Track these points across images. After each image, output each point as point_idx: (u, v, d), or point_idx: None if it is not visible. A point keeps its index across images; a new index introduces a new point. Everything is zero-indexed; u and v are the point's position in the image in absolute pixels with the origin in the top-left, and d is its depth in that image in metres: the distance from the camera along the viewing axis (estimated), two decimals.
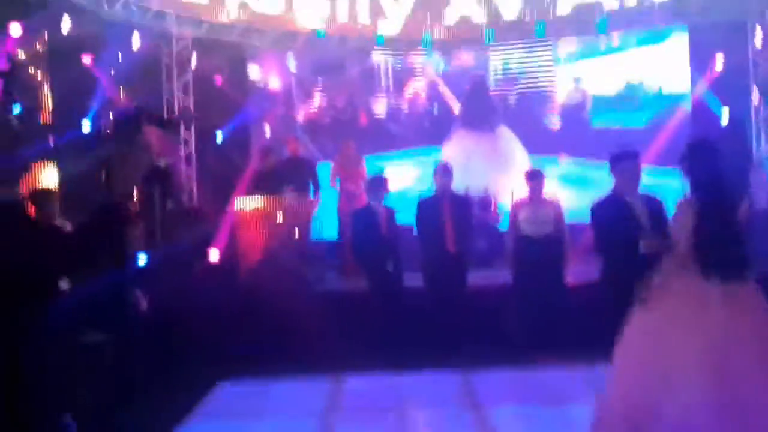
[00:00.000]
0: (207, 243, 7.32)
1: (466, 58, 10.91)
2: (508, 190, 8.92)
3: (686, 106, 9.46)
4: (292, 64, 10.46)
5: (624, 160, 5.01)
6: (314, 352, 6.47)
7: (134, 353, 5.61)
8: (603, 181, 9.30)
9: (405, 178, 9.75)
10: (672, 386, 3.67)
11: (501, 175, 9.44)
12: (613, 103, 10.55)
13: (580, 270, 6.83)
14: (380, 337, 6.55)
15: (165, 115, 7.61)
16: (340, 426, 5.02)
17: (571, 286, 6.62)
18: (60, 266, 2.41)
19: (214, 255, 7.27)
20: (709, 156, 3.97)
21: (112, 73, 7.66)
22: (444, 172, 6.74)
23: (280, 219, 7.48)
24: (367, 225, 6.73)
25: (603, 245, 5.30)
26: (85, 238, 2.40)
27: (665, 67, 10.15)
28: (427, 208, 6.73)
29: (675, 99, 9.84)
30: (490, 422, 4.90)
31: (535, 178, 6.68)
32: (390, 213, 6.88)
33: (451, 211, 6.62)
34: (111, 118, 5.63)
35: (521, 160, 9.65)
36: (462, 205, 6.84)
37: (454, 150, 9.52)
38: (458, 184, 6.98)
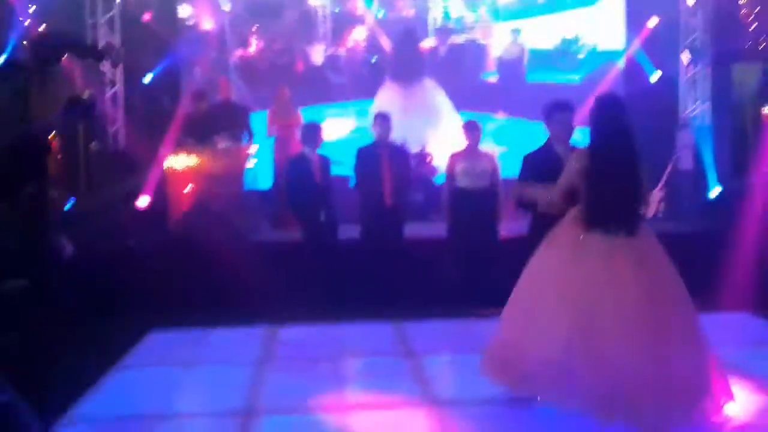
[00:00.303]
0: (135, 189, 7.04)
1: (405, 6, 10.74)
2: (439, 143, 8.96)
3: (620, 65, 9.60)
4: (226, 4, 10.02)
5: (558, 111, 5.01)
6: (248, 302, 6.39)
7: (59, 300, 5.41)
8: (537, 139, 9.56)
9: (341, 129, 9.61)
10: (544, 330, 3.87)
11: (430, 128, 9.43)
12: (550, 59, 10.63)
13: (512, 224, 6.95)
14: (314, 287, 6.51)
15: (87, 44, 7.14)
16: (272, 374, 4.96)
17: (503, 240, 6.73)
18: None
19: (143, 201, 7.01)
20: (611, 110, 4.02)
21: (32, 5, 7.17)
22: (383, 121, 6.69)
23: (211, 167, 7.25)
24: (301, 172, 6.63)
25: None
26: (2, 173, 2.23)
27: (601, 25, 10.27)
28: (367, 156, 6.67)
29: (609, 57, 9.96)
30: (423, 370, 4.95)
31: (472, 130, 6.69)
32: (324, 162, 6.79)
33: (390, 161, 6.58)
34: (29, 45, 5.24)
35: (448, 113, 9.63)
36: (400, 155, 6.81)
37: (382, 102, 9.40)
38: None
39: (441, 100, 9.69)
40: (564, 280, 3.94)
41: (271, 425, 4.11)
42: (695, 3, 8.46)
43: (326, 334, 5.85)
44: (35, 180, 2.63)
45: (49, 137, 2.29)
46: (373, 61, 10.51)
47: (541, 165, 4.97)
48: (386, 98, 9.46)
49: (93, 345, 5.31)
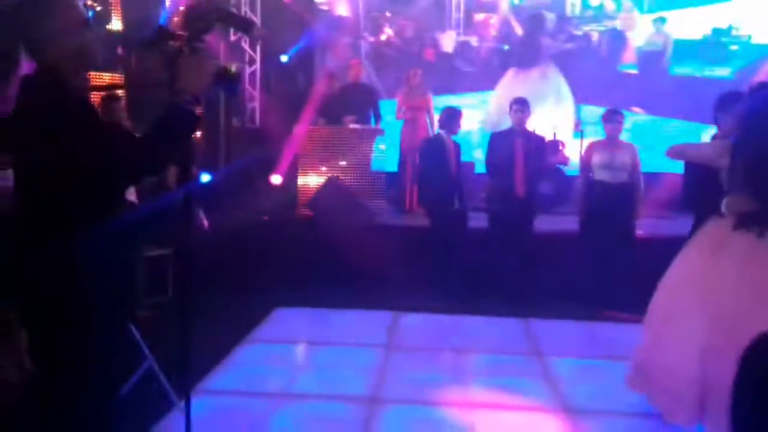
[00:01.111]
0: (270, 166, 7.17)
1: None
2: (562, 132, 8.60)
3: None
4: None
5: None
6: (373, 286, 6.38)
7: (194, 271, 5.57)
8: (674, 137, 8.97)
9: (469, 119, 9.37)
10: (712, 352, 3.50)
11: (551, 115, 9.03)
12: (697, 50, 9.93)
13: (650, 222, 6.57)
14: (440, 276, 6.40)
15: (237, 15, 7.32)
16: (396, 361, 4.90)
17: (640, 239, 6.35)
18: (128, 169, 2.26)
19: (276, 178, 7.13)
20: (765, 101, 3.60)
21: None
22: (520, 105, 6.44)
23: (341, 146, 7.27)
24: (437, 155, 6.51)
25: None
26: (153, 142, 2.25)
27: (758, 15, 9.46)
28: (501, 143, 6.45)
29: (766, 49, 9.19)
30: (551, 372, 4.73)
31: (613, 119, 6.30)
32: (458, 147, 6.65)
33: (524, 149, 6.33)
34: (183, 13, 5.39)
35: (568, 101, 9.19)
36: (536, 143, 6.53)
37: (502, 89, 9.10)
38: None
39: (562, 86, 9.26)
40: (704, 284, 3.64)
41: (395, 415, 4.03)
42: None
43: (450, 325, 5.73)
44: (184, 152, 2.66)
45: (198, 110, 2.29)
46: (506, 49, 10.19)
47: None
48: (506, 85, 9.17)
49: (223, 317, 5.46)
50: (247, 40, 7.93)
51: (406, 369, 4.74)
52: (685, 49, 9.98)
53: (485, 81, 9.82)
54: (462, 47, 10.46)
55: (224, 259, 6.02)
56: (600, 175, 6.24)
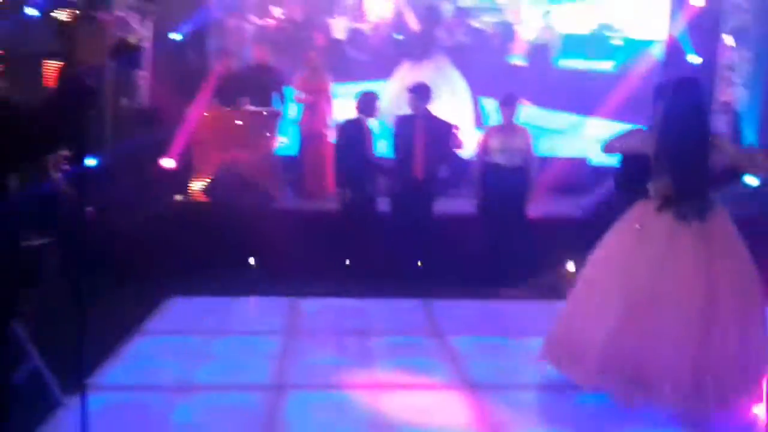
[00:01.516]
0: (161, 148, 6.84)
1: None
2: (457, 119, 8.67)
3: (657, 53, 9.26)
4: None
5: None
6: (272, 272, 6.24)
7: (79, 260, 5.24)
8: (564, 128, 9.27)
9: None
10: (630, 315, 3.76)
11: (444, 104, 9.08)
12: (583, 45, 10.26)
13: (543, 204, 6.76)
14: (341, 260, 6.35)
15: None
16: (298, 347, 4.81)
17: (534, 220, 6.53)
18: (22, 146, 2.08)
19: (168, 162, 6.81)
20: (690, 92, 3.94)
21: None
22: (418, 93, 6.44)
23: (239, 129, 7.04)
24: (354, 139, 6.43)
25: None
26: (46, 116, 2.07)
27: (640, 12, 9.90)
28: (403, 124, 6.46)
29: (647, 45, 9.60)
30: (453, 351, 4.79)
31: (509, 104, 6.42)
32: (374, 133, 6.62)
33: (425, 131, 6.34)
34: None
35: (462, 91, 9.29)
36: (439, 127, 6.55)
37: (398, 83, 9.03)
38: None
39: (457, 80, 9.33)
40: (625, 265, 3.90)
41: (300, 401, 3.95)
42: None
43: (351, 308, 5.69)
44: (78, 130, 2.45)
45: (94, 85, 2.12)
46: (399, 38, 10.01)
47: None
48: (399, 77, 9.11)
49: (113, 309, 5.16)
50: (137, 17, 7.51)
51: (308, 354, 4.67)
52: (572, 42, 10.32)
53: (377, 70, 9.59)
54: (353, 34, 10.25)
55: (113, 247, 5.69)
56: (496, 158, 6.36)
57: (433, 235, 6.41)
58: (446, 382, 4.28)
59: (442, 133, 6.54)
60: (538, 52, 10.12)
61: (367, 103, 6.53)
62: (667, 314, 3.72)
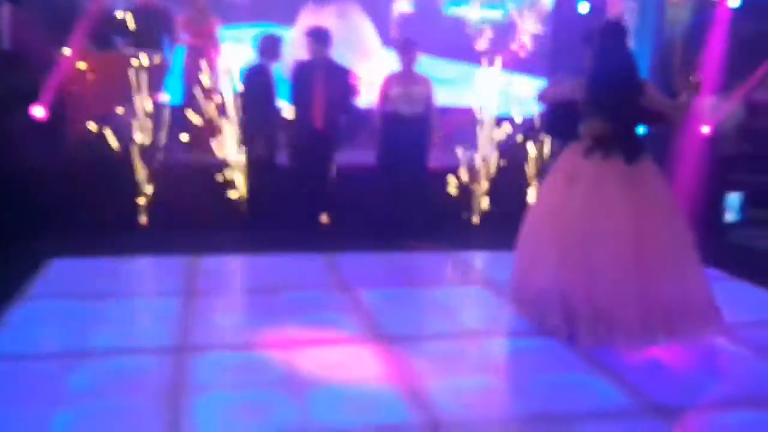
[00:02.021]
0: (30, 96, 6.18)
1: None
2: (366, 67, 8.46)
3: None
4: None
5: None
6: (165, 229, 5.88)
7: None
8: (455, 78, 9.25)
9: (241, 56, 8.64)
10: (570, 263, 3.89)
11: (356, 52, 8.85)
12: None
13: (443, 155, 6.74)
14: (241, 216, 6.06)
15: None
16: (200, 308, 4.54)
17: (436, 170, 6.50)
18: None
19: (38, 111, 6.17)
20: (616, 37, 4.04)
21: None
22: (316, 37, 6.17)
23: (118, 75, 6.47)
24: (260, 85, 6.09)
25: None
26: None
27: None
28: (302, 71, 6.17)
29: None
30: (359, 304, 4.70)
31: (409, 50, 6.26)
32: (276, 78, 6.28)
33: (325, 79, 6.08)
34: None
35: (372, 39, 9.07)
36: (337, 73, 6.30)
37: (300, 31, 8.71)
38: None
39: (366, 29, 9.05)
40: (558, 209, 4.02)
41: (209, 362, 3.72)
42: None
43: (254, 265, 5.47)
44: None
45: None
46: None
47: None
48: (301, 24, 8.75)
49: None
50: None
51: (211, 315, 4.41)
52: None
53: (257, 14, 9.11)
54: None
55: None
56: (398, 107, 6.20)
57: (335, 188, 6.24)
58: (358, 335, 4.18)
59: (341, 81, 6.29)
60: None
61: (271, 46, 6.18)
62: (600, 254, 3.84)
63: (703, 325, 3.98)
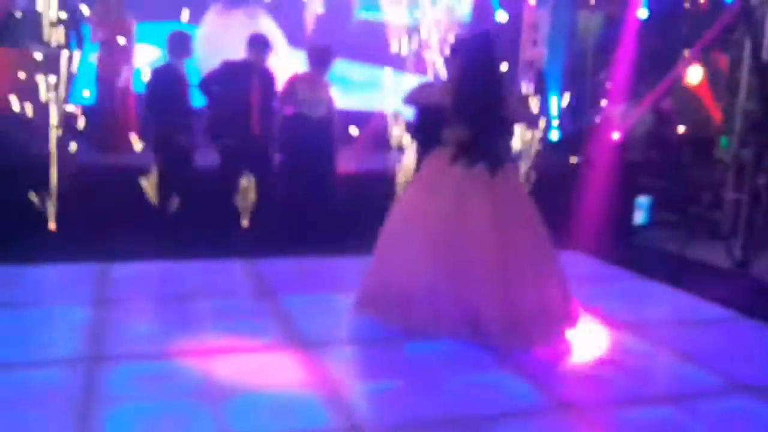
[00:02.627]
0: None
1: None
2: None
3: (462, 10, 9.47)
4: None
5: None
6: (72, 235, 5.65)
7: None
8: (365, 81, 9.19)
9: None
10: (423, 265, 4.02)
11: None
12: None
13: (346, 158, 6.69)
14: (151, 220, 5.88)
15: None
16: (112, 317, 4.39)
17: (342, 174, 6.48)
18: None
19: None
20: (482, 47, 4.22)
21: None
22: (263, 44, 6.15)
23: (26, 75, 6.18)
24: (169, 85, 5.94)
25: None
26: None
27: None
28: (236, 72, 6.07)
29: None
30: (276, 309, 4.66)
31: (318, 54, 6.27)
32: (186, 76, 6.13)
33: (260, 83, 6.06)
34: None
35: (283, 49, 9.00)
36: (268, 76, 6.23)
37: (209, 31, 8.53)
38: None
39: (274, 32, 8.94)
40: (423, 216, 4.10)
41: (122, 373, 3.60)
42: None
43: (169, 272, 5.32)
44: None
45: None
46: None
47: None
48: (209, 25, 8.56)
49: None
50: None
51: (124, 324, 4.27)
52: None
53: (155, 12, 8.74)
54: None
55: None
56: (303, 109, 6.16)
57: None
58: (276, 342, 4.14)
59: (269, 84, 6.26)
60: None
61: (179, 43, 6.05)
62: (462, 259, 3.98)
63: (556, 330, 4.15)
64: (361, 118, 7.41)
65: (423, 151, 4.49)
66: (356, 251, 5.87)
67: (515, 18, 8.90)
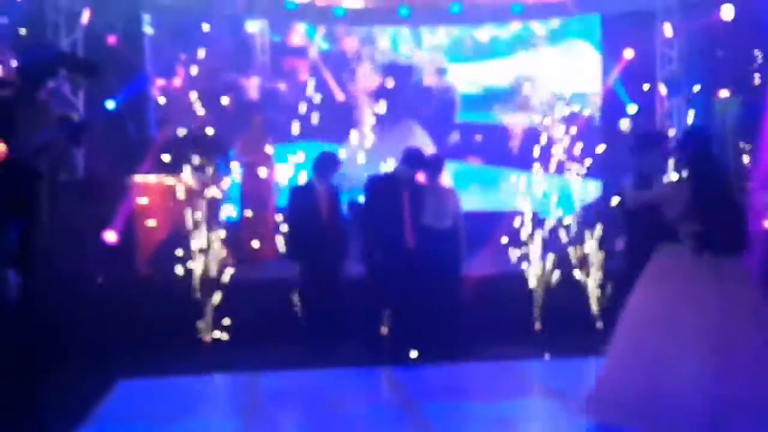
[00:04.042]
0: (102, 222, 6.51)
1: (350, 39, 9.83)
2: None
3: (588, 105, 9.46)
4: (147, 27, 8.33)
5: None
6: (226, 348, 5.96)
7: (16, 346, 4.86)
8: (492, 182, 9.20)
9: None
10: (671, 365, 3.85)
11: None
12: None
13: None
14: (299, 331, 6.07)
15: (81, 59, 6.59)
16: (263, 427, 4.53)
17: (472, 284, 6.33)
18: None
19: (110, 236, 6.48)
20: (704, 141, 4.29)
21: None
22: (417, 158, 6.08)
23: (185, 198, 6.74)
24: (305, 204, 6.02)
25: None
26: None
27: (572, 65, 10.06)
28: (385, 186, 6.01)
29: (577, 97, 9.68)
30: (422, 419, 4.62)
31: (437, 165, 6.19)
32: (334, 193, 6.18)
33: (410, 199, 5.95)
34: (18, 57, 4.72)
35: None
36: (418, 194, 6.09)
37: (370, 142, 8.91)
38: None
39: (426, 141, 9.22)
40: (659, 314, 3.99)
41: None
42: (672, 34, 8.43)
43: (314, 381, 5.44)
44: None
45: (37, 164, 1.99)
46: (317, 98, 9.26)
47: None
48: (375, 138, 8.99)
49: (56, 395, 4.76)
50: (68, 85, 7.23)
51: None
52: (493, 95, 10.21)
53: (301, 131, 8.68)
54: (268, 94, 9.47)
55: (51, 328, 5.30)
56: (425, 220, 5.98)
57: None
58: None
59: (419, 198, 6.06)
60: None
61: (323, 165, 6.12)
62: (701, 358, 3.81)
63: None
64: (486, 218, 7.39)
65: (638, 250, 4.44)
66: (491, 356, 5.84)
67: (647, 108, 8.74)
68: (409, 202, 5.92)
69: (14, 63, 5.96)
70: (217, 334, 6.19)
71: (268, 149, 8.00)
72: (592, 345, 5.91)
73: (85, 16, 7.31)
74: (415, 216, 5.94)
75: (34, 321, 5.11)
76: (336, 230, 6.07)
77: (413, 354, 5.77)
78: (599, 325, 6.42)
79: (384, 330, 6.10)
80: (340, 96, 9.70)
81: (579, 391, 4.47)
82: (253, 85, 9.49)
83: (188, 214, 6.49)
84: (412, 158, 6.03)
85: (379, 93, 9.57)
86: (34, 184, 2.10)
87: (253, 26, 9.58)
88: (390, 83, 9.64)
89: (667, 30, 8.39)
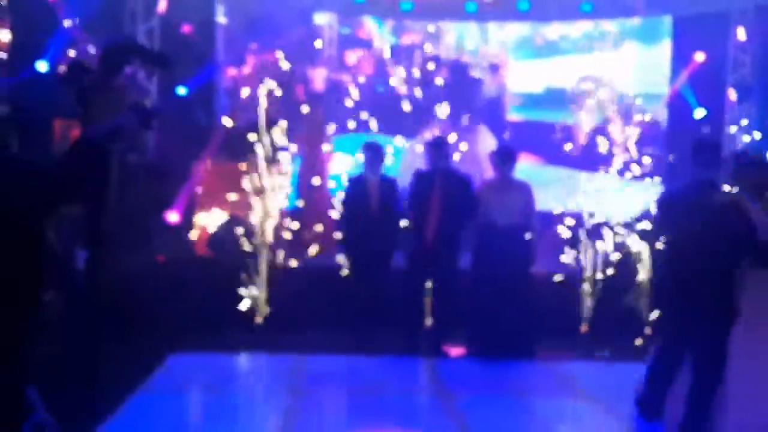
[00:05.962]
0: (166, 202, 6.84)
1: (415, 33, 9.90)
2: None
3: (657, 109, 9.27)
4: (221, 17, 8.57)
5: None
6: (276, 329, 6.18)
7: (82, 317, 5.20)
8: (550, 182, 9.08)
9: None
10: None
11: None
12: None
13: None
14: (347, 317, 6.22)
15: (155, 52, 6.96)
16: (304, 406, 4.72)
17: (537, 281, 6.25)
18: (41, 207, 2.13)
19: (172, 216, 6.79)
20: None
21: (74, 15, 7.07)
22: (440, 146, 6.12)
23: (247, 184, 7.00)
24: (357, 195, 6.12)
25: None
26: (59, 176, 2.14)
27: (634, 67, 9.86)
28: (425, 180, 6.03)
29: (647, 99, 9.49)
30: (457, 410, 4.71)
31: (502, 156, 6.05)
32: (387, 184, 6.23)
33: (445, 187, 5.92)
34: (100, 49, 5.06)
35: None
36: (459, 182, 6.08)
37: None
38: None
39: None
40: None
41: None
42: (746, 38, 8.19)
43: (358, 366, 5.60)
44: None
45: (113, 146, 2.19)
46: (380, 90, 9.56)
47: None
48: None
49: (114, 365, 5.08)
50: (142, 71, 7.60)
51: (315, 414, 4.60)
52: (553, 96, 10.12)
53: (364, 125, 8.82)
54: (333, 86, 9.52)
55: (114, 303, 5.63)
56: (491, 216, 5.90)
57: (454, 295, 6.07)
58: None
59: (461, 190, 6.04)
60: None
61: (372, 156, 6.18)
62: None
63: None
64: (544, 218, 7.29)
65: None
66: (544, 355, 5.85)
67: (716, 112, 8.50)
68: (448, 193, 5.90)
69: (94, 50, 6.33)
70: (268, 316, 6.42)
71: (328, 140, 8.18)
72: (639, 349, 5.93)
73: (162, 5, 7.65)
74: (477, 212, 5.94)
75: (98, 293, 5.46)
76: (386, 221, 6.10)
77: (458, 349, 5.85)
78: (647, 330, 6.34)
79: (429, 322, 6.19)
80: (403, 90, 9.79)
81: (620, 394, 4.47)
82: (319, 77, 9.64)
83: (249, 199, 6.74)
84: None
85: (443, 90, 9.60)
86: (105, 165, 2.29)
87: (322, 18, 9.79)
88: (452, 80, 9.67)
89: (741, 34, 8.16)
